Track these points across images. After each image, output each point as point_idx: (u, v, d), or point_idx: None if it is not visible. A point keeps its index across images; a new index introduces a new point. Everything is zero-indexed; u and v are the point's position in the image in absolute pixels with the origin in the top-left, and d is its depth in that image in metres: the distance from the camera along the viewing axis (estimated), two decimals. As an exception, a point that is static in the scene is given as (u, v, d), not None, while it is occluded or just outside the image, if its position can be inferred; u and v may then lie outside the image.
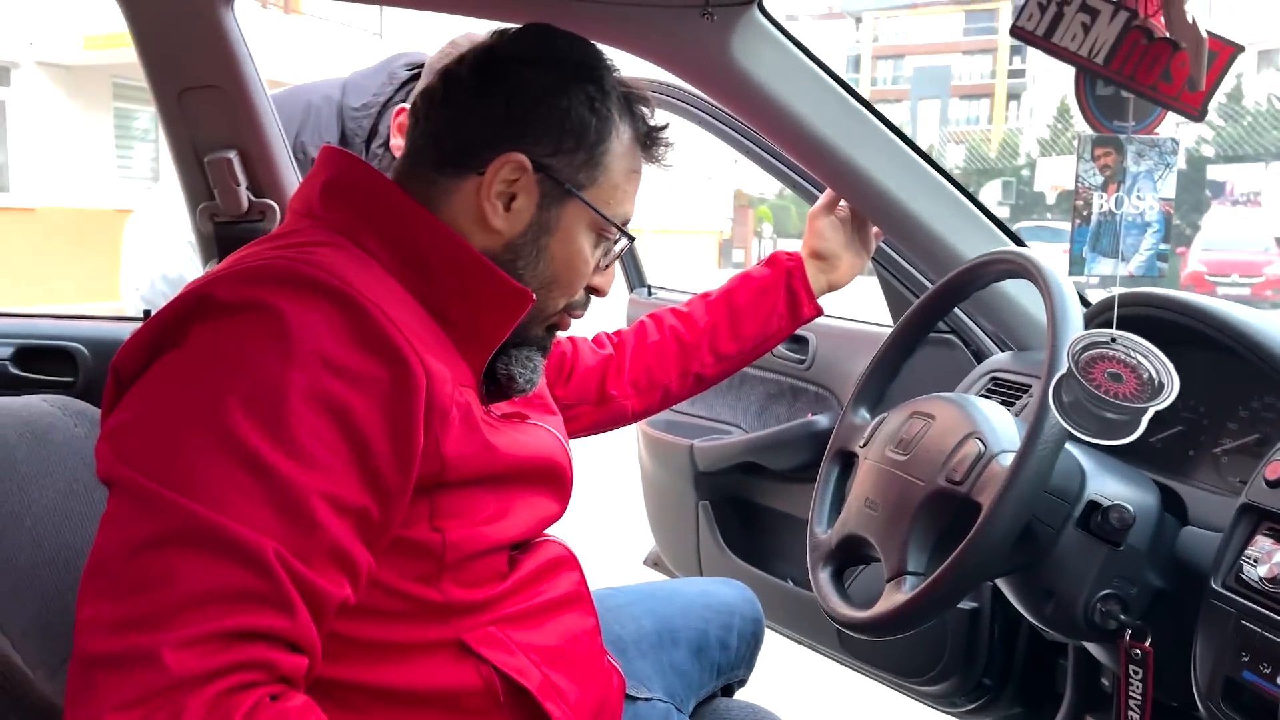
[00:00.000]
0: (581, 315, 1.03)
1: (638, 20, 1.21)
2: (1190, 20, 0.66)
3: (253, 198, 1.36)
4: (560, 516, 1.02)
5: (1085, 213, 0.74)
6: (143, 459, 0.70)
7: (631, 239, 1.00)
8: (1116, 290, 0.91)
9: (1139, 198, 0.73)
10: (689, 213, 25.10)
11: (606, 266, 1.00)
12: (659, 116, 1.01)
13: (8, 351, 1.52)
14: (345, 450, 0.74)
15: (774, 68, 1.28)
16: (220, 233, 1.38)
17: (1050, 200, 20.53)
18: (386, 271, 0.86)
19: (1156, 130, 0.73)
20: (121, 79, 11.99)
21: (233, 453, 0.70)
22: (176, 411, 0.72)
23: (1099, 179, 0.73)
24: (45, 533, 0.99)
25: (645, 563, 2.59)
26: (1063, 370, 0.80)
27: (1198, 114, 0.68)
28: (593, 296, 1.02)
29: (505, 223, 0.92)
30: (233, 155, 1.33)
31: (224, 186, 1.34)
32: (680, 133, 1.88)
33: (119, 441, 0.73)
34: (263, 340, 0.74)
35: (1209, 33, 0.67)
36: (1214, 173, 19.32)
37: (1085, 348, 0.78)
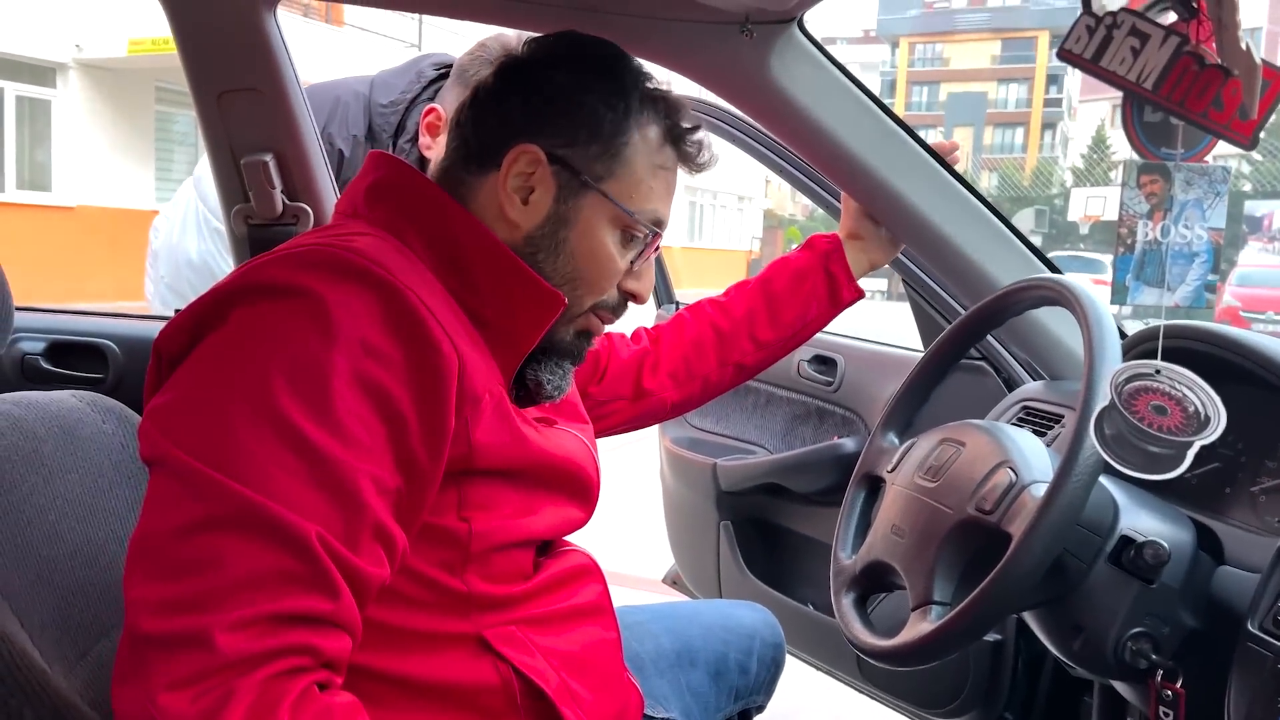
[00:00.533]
0: (614, 319, 1.02)
1: (677, 35, 1.21)
2: (1244, 47, 0.64)
3: (287, 201, 1.36)
4: (585, 523, 1.02)
5: (1129, 240, 0.72)
6: (189, 439, 0.71)
7: (657, 233, 0.98)
8: (1162, 321, 0.89)
9: (1186, 227, 0.71)
10: (719, 232, 25.15)
11: (640, 266, 0.99)
12: (691, 121, 1.00)
13: (40, 346, 1.53)
14: (383, 431, 0.76)
15: (812, 86, 1.27)
16: (254, 235, 1.39)
17: (1084, 230, 20.38)
18: (427, 268, 0.88)
19: (1206, 158, 0.71)
20: (164, 83, 12.18)
21: (278, 432, 0.71)
22: (222, 392, 0.73)
23: (1145, 206, 0.72)
24: (69, 526, 1.00)
25: (664, 580, 2.57)
26: (1105, 402, 0.79)
27: (1248, 143, 0.67)
28: (630, 303, 1.01)
29: (523, 215, 0.93)
30: (269, 158, 1.34)
31: (259, 189, 1.35)
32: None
33: (165, 420, 0.74)
34: (305, 324, 0.75)
35: (1263, 61, 0.66)
36: (1251, 207, 19.10)
37: (1129, 379, 0.76)
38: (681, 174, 1.02)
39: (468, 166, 0.95)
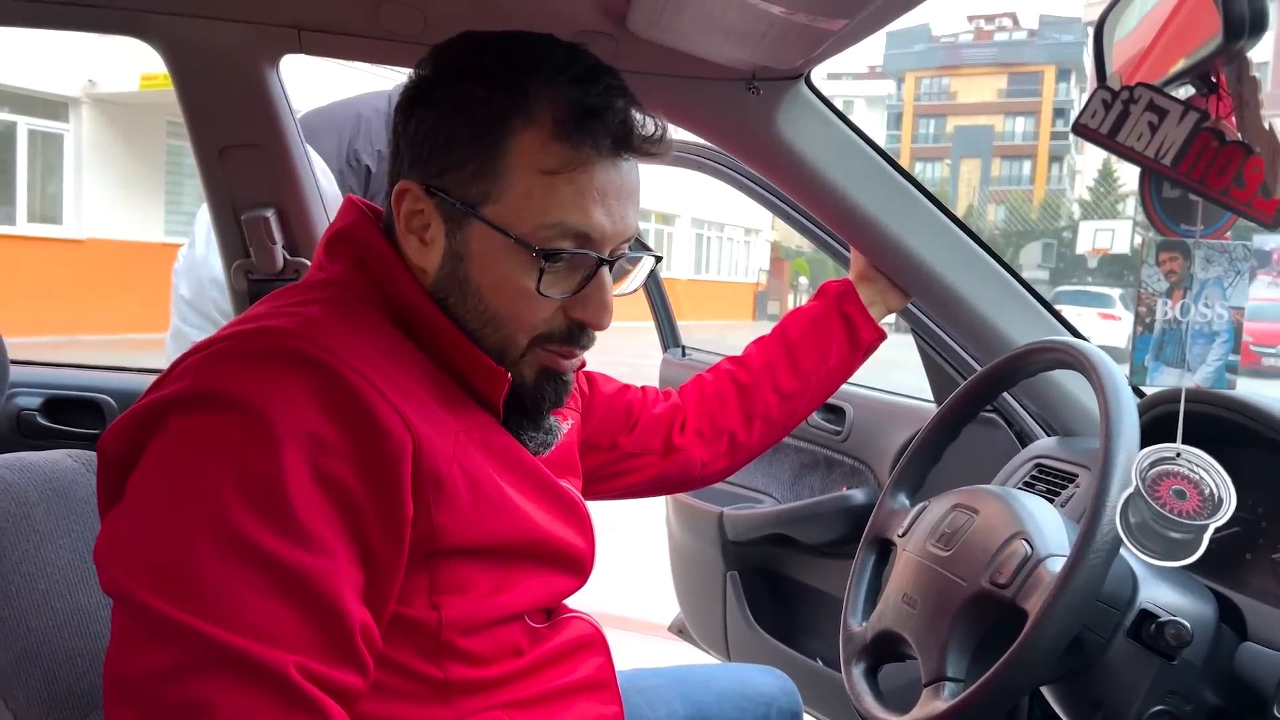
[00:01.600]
0: (576, 351, 0.90)
1: (685, 92, 1.20)
2: (1267, 125, 0.63)
3: (288, 256, 1.35)
4: (578, 589, 0.96)
5: (1149, 320, 0.70)
6: (152, 577, 0.69)
7: (545, 256, 0.82)
8: (1183, 386, 0.87)
9: (1206, 305, 0.69)
10: (725, 265, 25.23)
11: (576, 294, 0.85)
12: (602, 96, 0.83)
13: (36, 402, 1.52)
14: (343, 524, 0.73)
15: (818, 142, 1.26)
16: (254, 290, 1.38)
17: (1092, 264, 20.39)
18: (386, 319, 0.85)
19: (1227, 235, 0.69)
20: (175, 118, 12.23)
21: (241, 554, 0.69)
22: (177, 518, 0.71)
23: (1164, 285, 0.70)
24: (59, 595, 0.98)
25: (670, 628, 2.53)
26: (1131, 489, 0.76)
27: (1272, 222, 0.65)
28: (589, 330, 0.89)
29: (424, 258, 0.86)
30: (270, 214, 1.33)
31: (260, 244, 1.34)
32: (721, 190, 1.86)
33: (123, 555, 0.71)
34: (250, 430, 0.72)
35: (1286, 137, 0.64)
36: (1260, 240, 19.09)
37: (1152, 464, 0.74)
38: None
39: (388, 212, 0.89)
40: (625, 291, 0.94)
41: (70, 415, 1.55)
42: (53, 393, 1.53)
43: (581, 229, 0.83)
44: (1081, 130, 0.70)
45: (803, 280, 27.28)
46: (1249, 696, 0.93)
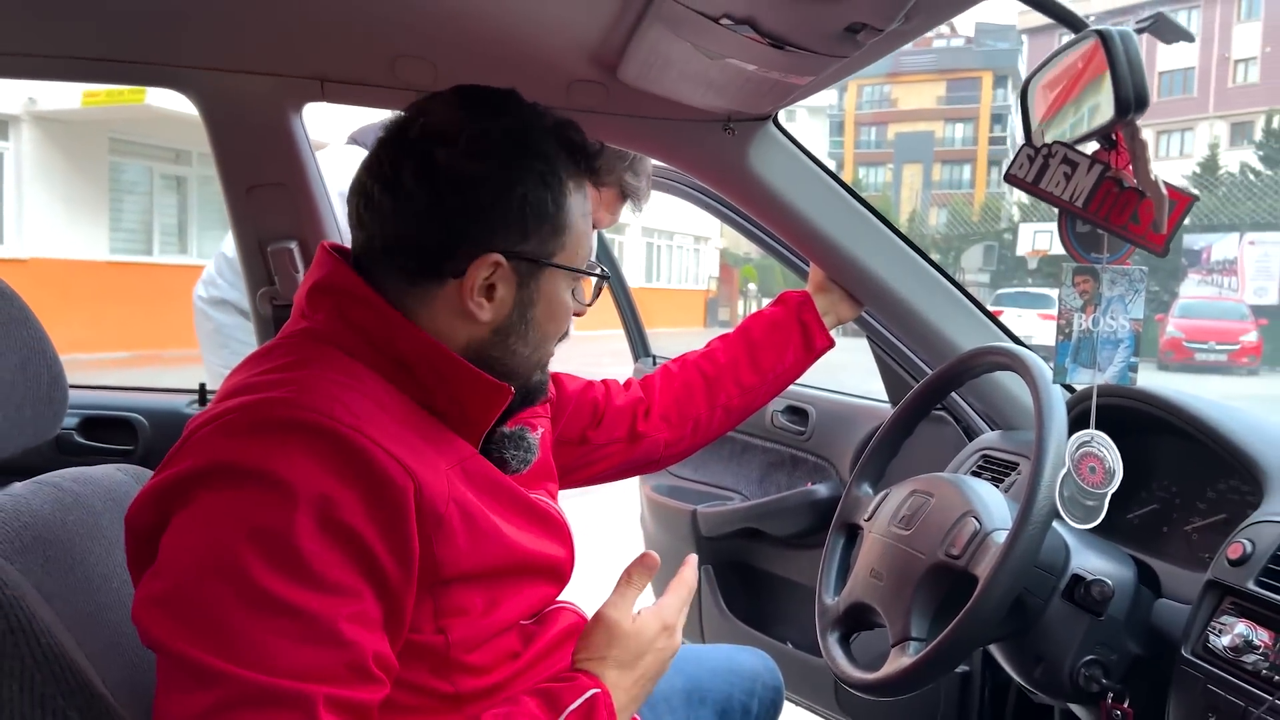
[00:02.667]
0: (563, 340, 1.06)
1: (668, 132, 1.35)
2: (1153, 177, 0.79)
3: (309, 284, 1.47)
4: (563, 590, 1.07)
5: (1067, 330, 0.87)
6: (187, 630, 0.78)
7: (606, 276, 1.04)
8: (1095, 383, 1.03)
9: (1112, 318, 0.86)
10: (676, 272, 25.38)
11: (591, 304, 1.05)
12: (589, 141, 0.99)
13: (74, 422, 1.62)
14: (357, 569, 0.82)
15: (786, 175, 1.42)
16: (278, 316, 1.50)
17: (1031, 265, 20.89)
18: (370, 368, 0.92)
19: (1127, 261, 0.86)
20: (118, 135, 12.16)
21: (265, 606, 0.78)
22: (206, 577, 0.79)
23: (1079, 302, 0.86)
24: (128, 595, 1.08)
25: (646, 623, 2.66)
26: (1065, 470, 0.92)
27: (1161, 251, 0.81)
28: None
29: (491, 313, 0.95)
30: (293, 246, 1.45)
31: (284, 274, 1.46)
32: (670, 200, 1.99)
33: (159, 616, 0.80)
34: (266, 498, 0.80)
35: (1168, 185, 0.81)
36: (1190, 241, 19.74)
37: (1079, 446, 0.90)
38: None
39: (414, 279, 0.94)
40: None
41: (105, 433, 1.65)
42: (88, 412, 1.63)
43: (593, 246, 1.02)
44: (1011, 179, 0.86)
45: (751, 286, 27.56)
46: (1163, 644, 1.10)
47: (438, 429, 0.94)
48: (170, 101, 10.61)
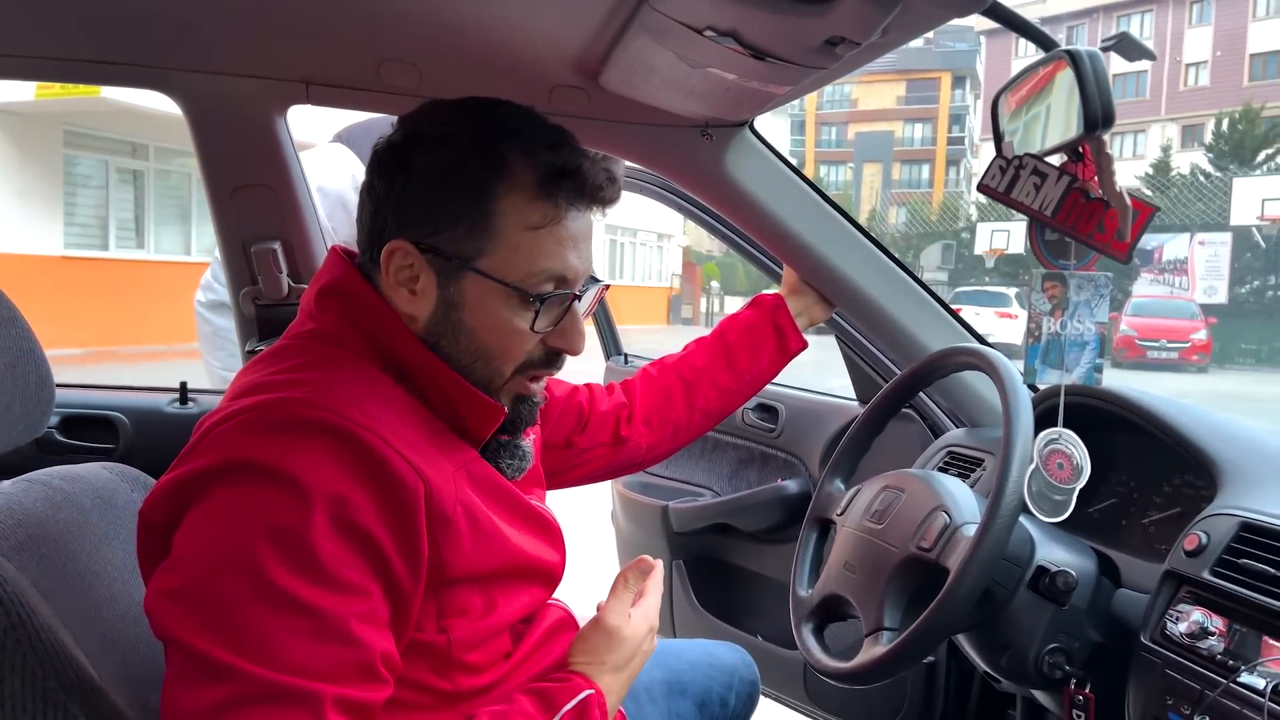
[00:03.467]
0: (549, 374, 1.02)
1: (647, 137, 1.38)
2: (1118, 188, 0.84)
3: (292, 284, 1.49)
4: (556, 586, 1.09)
5: (1036, 333, 0.91)
6: (200, 627, 0.79)
7: (540, 300, 0.94)
8: (1062, 383, 1.08)
9: (1079, 322, 0.90)
10: (640, 269, 25.41)
11: (556, 327, 0.98)
12: (571, 158, 0.95)
13: (54, 420, 1.62)
14: (368, 568, 0.83)
15: (761, 178, 1.45)
16: (261, 315, 1.51)
17: (989, 264, 21.20)
18: (377, 368, 0.94)
19: (1092, 267, 0.90)
20: (73, 128, 11.95)
21: (278, 603, 0.80)
22: (220, 573, 0.80)
23: (1047, 306, 0.91)
24: (120, 589, 1.10)
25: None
26: (1033, 465, 0.97)
27: (1125, 258, 0.86)
28: (565, 355, 1.02)
29: (415, 306, 0.95)
30: (276, 246, 1.46)
31: (268, 273, 1.47)
32: (634, 197, 2.03)
33: (173, 609, 0.81)
34: (281, 496, 0.82)
35: (1131, 195, 0.85)
36: (1143, 240, 20.08)
37: (1047, 443, 0.95)
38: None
39: (366, 263, 0.98)
40: (586, 314, 1.04)
41: (86, 431, 1.65)
42: (69, 411, 1.63)
43: (560, 272, 0.95)
44: (984, 189, 0.91)
45: (714, 284, 27.69)
46: (1123, 632, 1.15)
47: (443, 431, 0.95)
48: (127, 94, 10.46)
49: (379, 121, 2.07)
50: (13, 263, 11.28)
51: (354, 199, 1.94)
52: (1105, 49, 0.87)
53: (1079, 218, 0.86)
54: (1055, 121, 0.87)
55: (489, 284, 0.93)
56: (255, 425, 0.86)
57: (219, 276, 2.10)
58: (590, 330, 2.61)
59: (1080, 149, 0.86)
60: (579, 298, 0.99)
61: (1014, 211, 0.89)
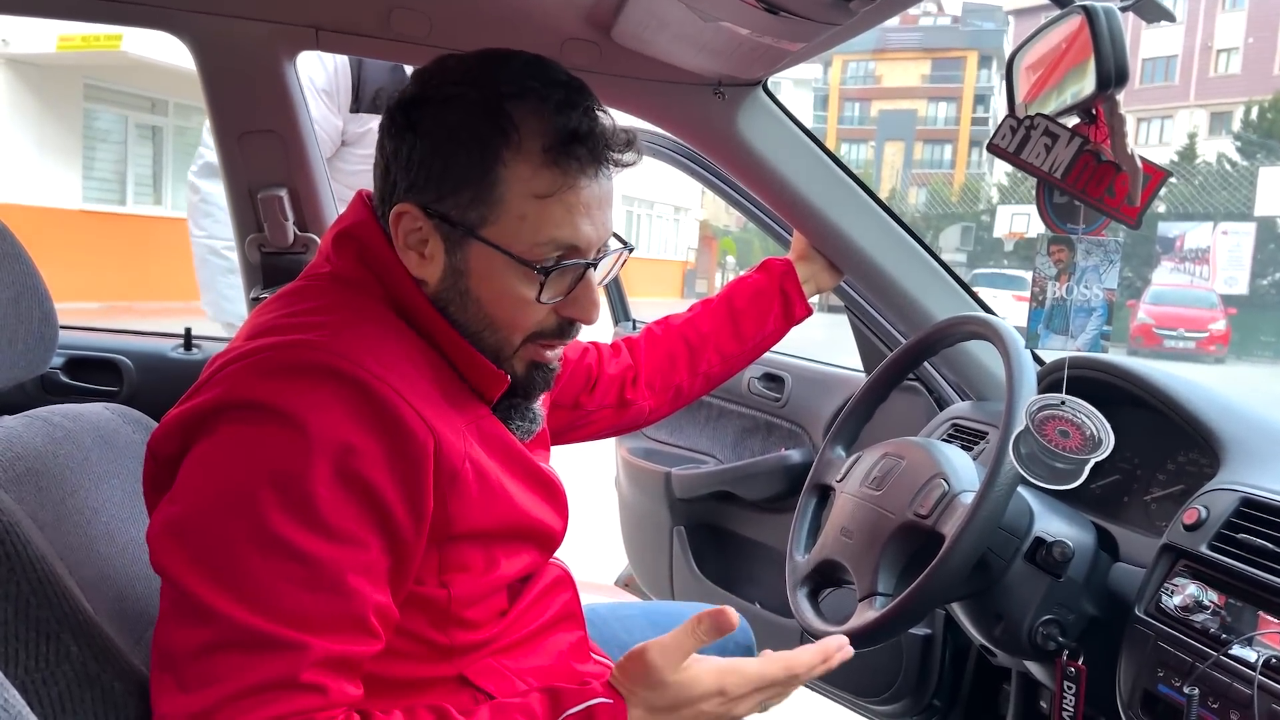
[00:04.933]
0: (562, 343, 1.00)
1: (658, 94, 1.37)
2: (1130, 151, 0.82)
3: (298, 232, 1.49)
4: (555, 550, 1.07)
5: (1041, 298, 0.90)
6: (193, 562, 0.80)
7: (545, 271, 0.91)
8: (1068, 354, 1.07)
9: (1086, 287, 0.89)
10: (655, 242, 25.36)
11: (567, 296, 0.95)
12: (585, 120, 0.90)
13: (59, 361, 1.63)
14: (370, 519, 0.83)
15: (774, 141, 1.44)
16: (266, 262, 1.51)
17: (1008, 247, 21.04)
18: (394, 316, 0.93)
19: (1103, 233, 0.89)
20: (93, 80, 11.96)
21: (275, 547, 0.79)
22: (218, 512, 0.81)
23: (1053, 270, 0.89)
24: (117, 527, 1.11)
25: (616, 583, 2.71)
26: (1021, 427, 0.96)
27: (1135, 223, 0.84)
28: (578, 324, 0.99)
29: (424, 270, 0.93)
30: (283, 193, 1.46)
31: (274, 220, 1.47)
32: (651, 168, 2.03)
33: (172, 540, 0.82)
34: (286, 438, 0.81)
35: (1143, 160, 0.84)
36: (1164, 228, 19.95)
37: (1040, 409, 0.94)
38: (619, 180, 0.96)
39: (383, 219, 0.96)
40: (602, 282, 1.00)
41: (90, 374, 1.66)
42: (74, 353, 1.64)
43: (570, 241, 0.92)
44: (994, 149, 0.89)
45: (730, 259, 27.59)
46: (1117, 605, 1.15)
47: (455, 384, 0.94)
48: (147, 49, 10.46)
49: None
50: (32, 214, 11.32)
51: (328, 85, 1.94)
52: (1124, 9, 0.85)
53: (1089, 180, 0.85)
54: (1069, 80, 0.85)
55: (494, 253, 0.91)
56: (268, 366, 0.86)
57: (208, 142, 2.12)
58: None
59: (1094, 110, 0.85)
60: (594, 265, 0.95)
61: (1035, 195, 0.88)
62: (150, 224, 12.72)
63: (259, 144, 1.43)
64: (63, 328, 1.14)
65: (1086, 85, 0.83)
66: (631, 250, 1.03)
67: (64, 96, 11.81)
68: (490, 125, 0.89)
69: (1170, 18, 0.85)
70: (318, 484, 0.81)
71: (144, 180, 13.12)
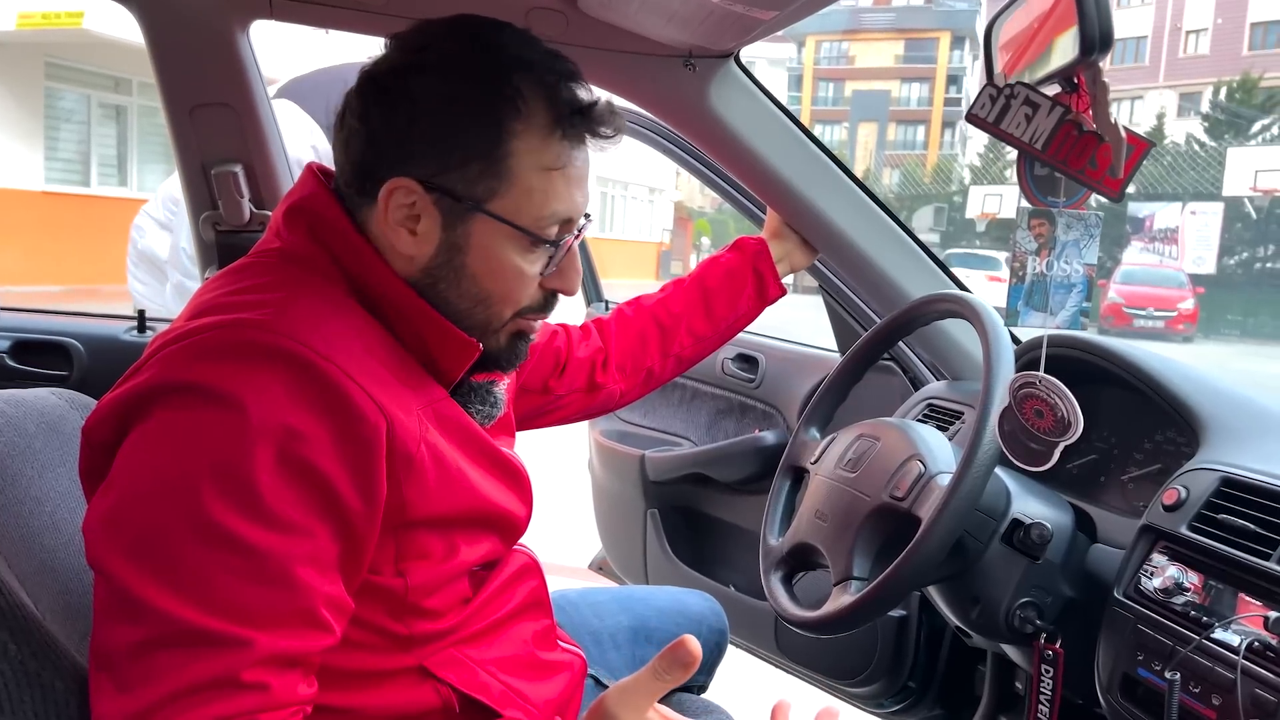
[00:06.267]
0: (545, 316, 0.99)
1: (627, 67, 1.33)
2: (1112, 120, 0.79)
3: (254, 209, 1.43)
4: (519, 537, 1.04)
5: (1021, 273, 0.87)
6: (129, 554, 0.75)
7: (554, 243, 0.91)
8: (1046, 331, 1.04)
9: (1066, 263, 0.86)
10: (630, 224, 25.28)
11: (555, 269, 0.95)
12: (585, 94, 0.91)
13: (4, 345, 1.57)
14: (316, 506, 0.79)
15: (746, 115, 1.40)
16: (222, 241, 1.45)
17: (980, 228, 21.15)
18: (345, 294, 0.89)
19: (1083, 206, 0.86)
20: (54, 58, 11.72)
21: (215, 539, 0.75)
22: (155, 501, 0.76)
23: (1033, 245, 0.86)
24: (63, 516, 1.06)
25: (590, 567, 2.68)
26: (1005, 404, 0.93)
27: (1117, 196, 0.82)
28: (561, 295, 0.98)
29: (414, 247, 0.89)
30: (238, 169, 1.41)
31: (228, 198, 1.41)
32: (627, 149, 1.98)
33: (106, 533, 0.77)
34: (225, 423, 0.77)
35: (1126, 129, 0.81)
36: (1134, 208, 20.12)
37: (1021, 385, 0.91)
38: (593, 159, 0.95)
39: (352, 194, 0.91)
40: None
41: (38, 357, 1.60)
42: (21, 336, 1.57)
43: (568, 214, 0.92)
44: (973, 119, 0.86)
45: (705, 240, 27.55)
46: (1095, 587, 1.13)
47: (411, 366, 0.90)
48: (109, 26, 10.24)
49: (326, 74, 2.00)
50: (-8, 196, 11.13)
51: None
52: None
53: (1071, 151, 0.82)
54: (1052, 47, 0.82)
55: (498, 227, 0.89)
56: (207, 347, 0.81)
57: (174, 200, 2.05)
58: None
59: (1075, 79, 0.82)
60: (578, 237, 0.96)
61: (1006, 176, 0.85)
62: (115, 205, 12.48)
63: (211, 118, 1.37)
64: (8, 309, 1.09)
65: (1069, 51, 0.80)
66: (589, 220, 1.01)
67: (24, 75, 11.55)
68: (498, 95, 0.86)
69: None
70: (259, 470, 0.76)
71: (108, 161, 12.88)
